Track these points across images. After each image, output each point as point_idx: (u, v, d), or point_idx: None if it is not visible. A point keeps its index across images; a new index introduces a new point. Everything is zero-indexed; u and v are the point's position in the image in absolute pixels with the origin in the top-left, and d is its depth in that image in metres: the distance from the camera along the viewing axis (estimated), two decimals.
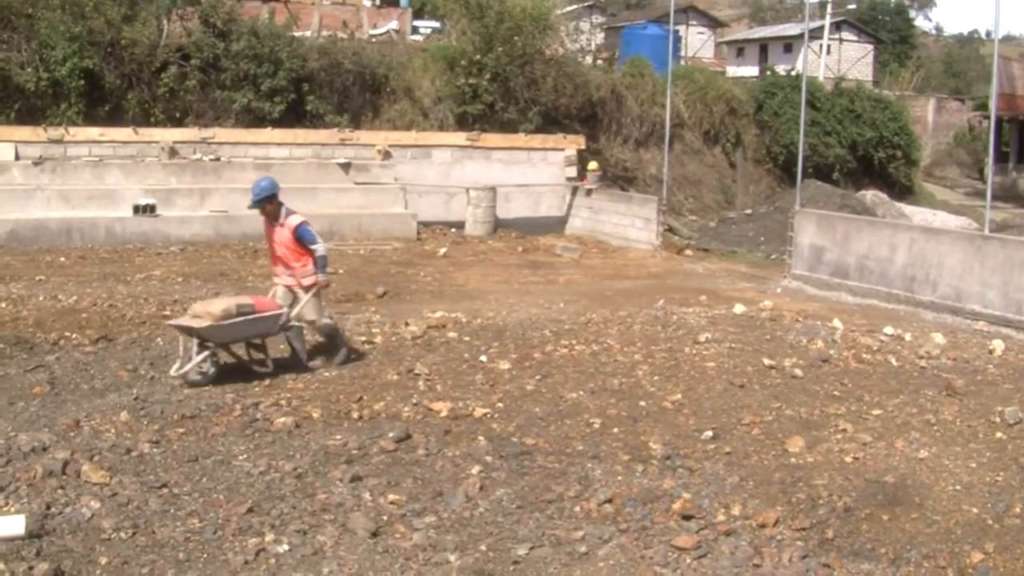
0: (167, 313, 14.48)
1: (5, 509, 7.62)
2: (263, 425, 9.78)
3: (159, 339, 13.00)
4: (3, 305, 15.04)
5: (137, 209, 22.60)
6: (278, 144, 26.60)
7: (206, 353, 11.23)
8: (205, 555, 7.04)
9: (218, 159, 25.61)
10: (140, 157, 25.16)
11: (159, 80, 26.80)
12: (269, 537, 7.32)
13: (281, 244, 12.29)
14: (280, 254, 12.38)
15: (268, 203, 12.30)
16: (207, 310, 11.47)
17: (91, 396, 10.63)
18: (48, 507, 7.67)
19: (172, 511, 7.74)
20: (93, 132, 25.32)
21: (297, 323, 12.27)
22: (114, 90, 26.46)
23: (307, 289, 12.27)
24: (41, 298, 15.56)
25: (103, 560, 6.93)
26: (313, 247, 12.25)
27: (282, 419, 9.90)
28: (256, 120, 27.33)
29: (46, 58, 25.65)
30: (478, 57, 29.62)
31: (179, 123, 26.72)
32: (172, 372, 11.25)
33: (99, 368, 11.65)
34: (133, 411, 9.98)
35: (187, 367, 11.17)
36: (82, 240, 21.74)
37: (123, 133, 25.53)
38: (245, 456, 8.91)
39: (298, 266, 12.31)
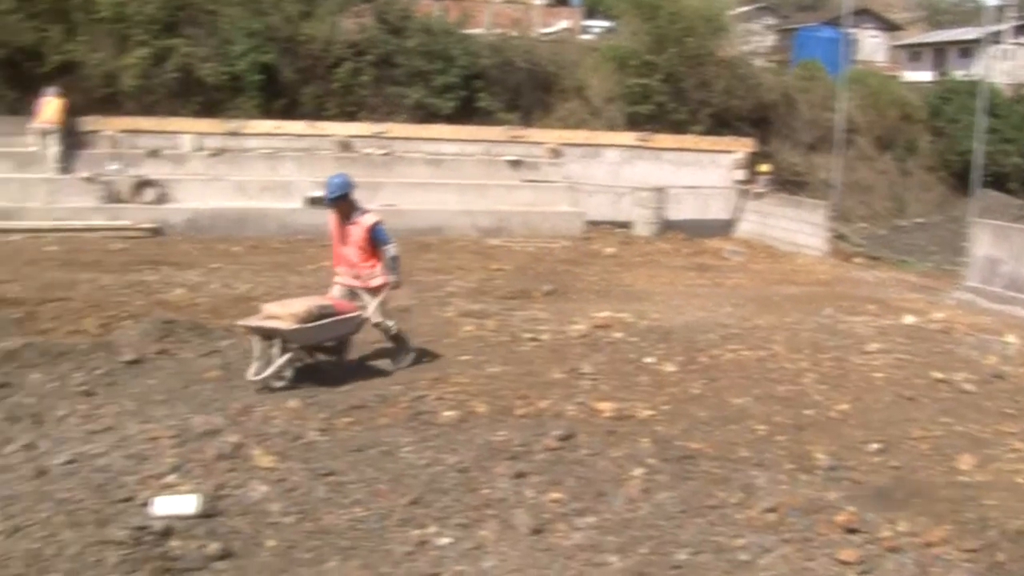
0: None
1: (179, 488, 7.83)
2: (429, 418, 9.84)
3: None
4: (180, 291, 15.51)
5: (309, 201, 23.03)
6: (449, 140, 26.88)
7: (288, 356, 10.77)
8: (369, 544, 7.12)
9: (389, 154, 25.97)
10: (313, 150, 25.67)
11: (334, 75, 27.32)
12: (432, 529, 7.37)
13: (352, 243, 11.86)
14: (348, 254, 11.95)
15: (343, 201, 11.81)
16: (288, 311, 10.95)
17: (261, 384, 10.85)
18: (219, 488, 7.86)
19: (338, 499, 7.85)
20: (269, 125, 25.96)
21: (384, 326, 11.96)
22: (290, 84, 27.06)
23: (374, 291, 11.87)
24: (216, 285, 15.99)
25: (270, 543, 7.07)
26: (386, 248, 11.80)
27: (448, 412, 9.97)
28: (428, 116, 27.66)
29: (226, 53, 26.38)
30: (650, 57, 29.48)
31: (352, 118, 27.20)
32: (249, 376, 10.74)
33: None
34: (302, 399, 10.17)
35: (268, 371, 10.66)
36: (256, 230, 22.29)
37: (298, 126, 26.11)
38: (410, 448, 8.97)
39: (366, 267, 11.92)
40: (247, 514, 7.49)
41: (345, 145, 25.93)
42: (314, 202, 23.06)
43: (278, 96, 26.93)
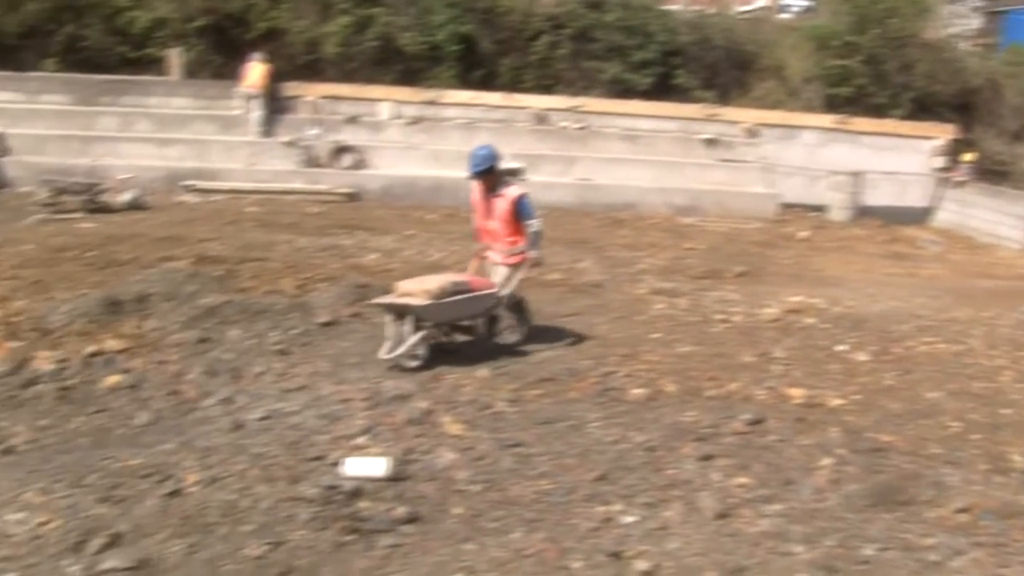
0: (528, 276, 14.73)
1: (369, 450, 7.95)
2: (617, 394, 9.76)
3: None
4: (374, 256, 15.77)
5: (504, 172, 23.08)
6: (644, 116, 26.69)
7: (421, 334, 10.47)
8: (553, 517, 7.08)
9: (585, 128, 25.92)
10: (509, 122, 25.78)
11: (532, 47, 27.36)
12: (617, 507, 7.30)
13: (497, 217, 11.49)
14: (491, 227, 11.61)
15: (488, 173, 11.46)
16: (422, 288, 10.68)
17: (452, 350, 10.97)
18: (408, 453, 7.94)
19: (524, 470, 7.84)
20: (466, 95, 26.15)
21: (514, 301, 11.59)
22: (488, 55, 27.19)
23: (513, 266, 11.48)
24: (409, 252, 16.21)
25: (456, 510, 7.10)
26: (529, 222, 11.42)
27: (637, 390, 9.88)
28: (624, 91, 27.49)
29: (426, 23, 26.64)
30: (851, 38, 28.72)
31: (549, 91, 27.21)
32: (381, 355, 10.42)
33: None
34: (492, 368, 10.22)
35: (400, 350, 10.34)
36: (450, 199, 22.43)
37: (494, 98, 26.24)
38: (598, 424, 8.92)
39: (509, 241, 11.53)
40: (434, 480, 7.54)
41: (541, 118, 25.99)
42: (509, 173, 23.19)
43: (476, 67, 27.11)
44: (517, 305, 11.74)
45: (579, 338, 11.78)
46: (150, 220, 18.84)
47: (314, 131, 24.35)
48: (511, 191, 11.44)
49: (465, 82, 26.65)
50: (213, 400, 9.12)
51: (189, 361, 10.14)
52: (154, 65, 26.32)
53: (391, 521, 6.80)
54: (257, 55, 24.86)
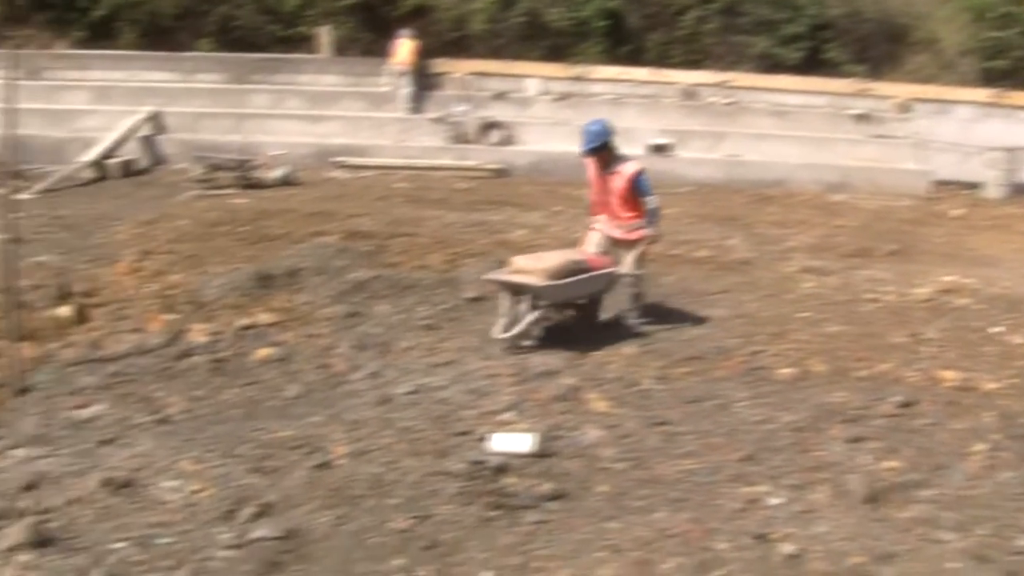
0: (676, 252, 14.68)
1: (515, 426, 7.96)
2: (765, 374, 9.60)
3: (667, 278, 13.12)
4: (522, 232, 15.80)
5: (652, 148, 22.98)
6: (793, 91, 26.22)
7: (537, 314, 10.11)
8: (699, 497, 6.99)
9: (734, 103, 25.60)
10: (657, 97, 25.59)
11: (679, 22, 27.11)
12: (763, 488, 7.17)
13: (613, 193, 11.08)
14: (607, 204, 11.22)
15: (602, 150, 11.04)
16: (540, 266, 10.27)
17: (599, 327, 10.94)
18: (554, 429, 7.93)
19: (670, 448, 7.76)
20: (613, 71, 26.03)
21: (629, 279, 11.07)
22: (635, 31, 27.04)
23: (632, 244, 11.08)
24: (557, 228, 16.17)
25: (601, 488, 7.06)
26: (647, 199, 10.99)
27: (785, 370, 9.70)
28: (772, 66, 27.06)
29: None
30: (1009, 9, 27.78)
31: (696, 66, 26.91)
32: (495, 335, 10.17)
33: (608, 300, 11.87)
34: (639, 346, 10.16)
35: (516, 329, 10.03)
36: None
37: (641, 73, 26.07)
38: (745, 403, 8.79)
39: (626, 218, 11.14)
40: (580, 457, 7.52)
41: (689, 93, 25.73)
42: (658, 149, 23.06)
43: (623, 42, 26.96)
44: (634, 283, 11.25)
45: (727, 316, 11.61)
46: (301, 196, 19.16)
47: (462, 107, 24.49)
48: (627, 167, 11.08)
49: (612, 57, 26.52)
50: (361, 374, 9.24)
51: (338, 335, 10.30)
52: (304, 43, 26.79)
53: (536, 497, 6.79)
54: (405, 32, 25.09)
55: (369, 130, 24.33)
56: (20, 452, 7.92)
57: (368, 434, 7.73)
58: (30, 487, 7.05)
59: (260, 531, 6.23)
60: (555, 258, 10.58)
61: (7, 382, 9.16)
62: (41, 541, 6.19)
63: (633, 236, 11.09)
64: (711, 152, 24.00)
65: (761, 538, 6.38)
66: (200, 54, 26.44)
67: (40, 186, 19.84)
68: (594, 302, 11.01)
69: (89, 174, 21.10)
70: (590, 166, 11.25)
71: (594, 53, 26.45)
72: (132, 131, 23.05)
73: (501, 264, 12.02)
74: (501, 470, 7.12)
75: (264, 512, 6.51)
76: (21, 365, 9.34)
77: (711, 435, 8.04)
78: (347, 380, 9.16)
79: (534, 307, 10.10)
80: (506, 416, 8.18)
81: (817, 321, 11.71)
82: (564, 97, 25.43)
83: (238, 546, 6.12)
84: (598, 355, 9.82)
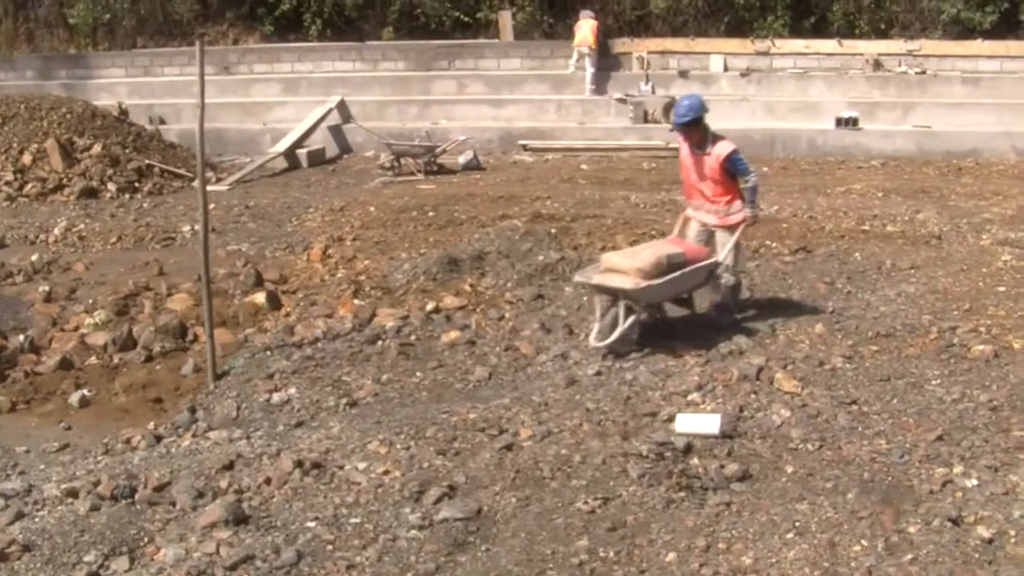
0: (866, 228, 14.34)
1: (702, 407, 7.89)
2: (959, 351, 9.23)
3: (857, 254, 12.77)
4: None
5: (839, 122, 22.48)
6: (987, 57, 25.24)
7: (634, 318, 9.31)
8: (890, 478, 6.81)
9: (923, 72, 24.85)
10: (844, 69, 25.01)
11: None
12: (957, 469, 6.92)
13: (708, 175, 10.23)
14: (701, 186, 10.35)
15: (695, 126, 10.17)
16: (635, 266, 9.35)
17: (787, 306, 10.73)
18: (741, 410, 7.83)
19: (860, 429, 7.57)
20: (798, 44, 25.53)
21: (727, 274, 10.20)
22: (819, 1, 26.42)
23: (731, 228, 10.20)
24: None
25: (788, 468, 6.95)
26: (746, 177, 10.18)
27: (980, 347, 9.32)
28: (964, 32, 26.10)
29: None
30: None
31: (884, 35, 26.17)
32: (592, 343, 9.43)
33: (797, 278, 11.70)
34: (828, 324, 9.93)
35: (614, 337, 9.24)
36: (784, 151, 22.04)
37: (827, 45, 25.49)
38: (938, 381, 8.51)
39: (722, 201, 10.26)
40: (767, 438, 7.41)
41: (876, 64, 25.05)
42: (845, 123, 22.53)
43: (807, 14, 26.41)
44: (732, 273, 10.42)
45: (919, 292, 11.27)
46: (486, 180, 19.34)
47: (645, 87, 24.35)
48: (720, 147, 10.17)
49: (796, 31, 26.00)
50: (547, 356, 9.29)
51: (524, 318, 10.37)
52: (486, 28, 26.97)
53: (722, 479, 6.73)
54: (586, 13, 25.04)
55: (552, 113, 24.41)
56: (218, 434, 8.21)
57: (554, 416, 7.76)
58: (227, 467, 7.29)
59: (446, 512, 6.32)
60: (650, 255, 9.62)
61: (205, 367, 9.50)
62: (238, 519, 6.41)
63: (731, 221, 10.28)
64: (900, 124, 23.28)
65: (955, 522, 6.16)
66: (384, 43, 26.92)
67: (233, 177, 20.48)
68: (691, 295, 10.35)
69: (280, 164, 21.65)
70: (683, 145, 10.47)
71: (777, 27, 25.97)
72: (320, 121, 23.56)
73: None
74: (687, 451, 7.07)
75: (450, 493, 6.60)
76: (218, 351, 9.66)
77: (903, 415, 7.82)
78: (533, 362, 9.24)
79: (631, 310, 9.37)
80: (693, 397, 8.11)
81: (1015, 296, 11.23)
82: (748, 73, 25.05)
83: (425, 526, 6.22)
84: (787, 334, 9.65)
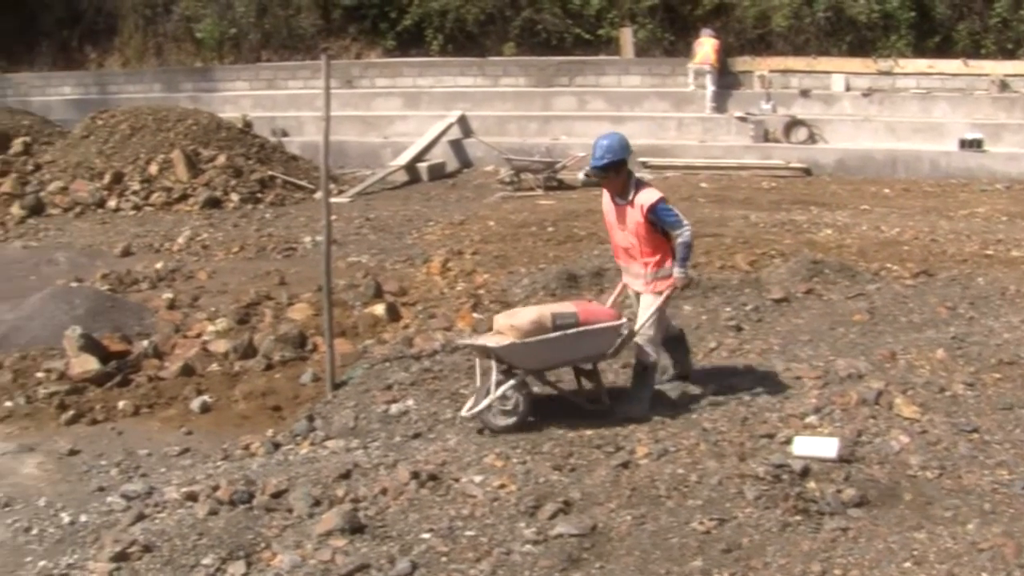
0: (989, 252, 14.05)
1: (819, 430, 7.81)
2: None
3: (980, 279, 12.48)
4: (828, 231, 15.46)
5: (963, 143, 22.08)
6: None
7: (510, 383, 8.20)
8: (1012, 510, 6.65)
9: None
10: (968, 90, 24.52)
11: (991, 10, 25.78)
12: None
13: (630, 230, 8.69)
14: (625, 244, 8.81)
15: (613, 170, 8.62)
16: (511, 323, 8.35)
17: (908, 329, 10.54)
18: (859, 434, 7.72)
19: (981, 458, 7.40)
20: (921, 64, 25.06)
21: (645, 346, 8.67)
22: (943, 21, 25.91)
23: (658, 293, 8.61)
24: (864, 227, 15.77)
25: (907, 496, 6.84)
26: (678, 231, 8.55)
27: None
28: None
29: None
30: None
31: (1011, 55, 25.58)
32: (463, 412, 8.51)
33: (918, 302, 11.49)
34: (949, 349, 9.72)
35: (482, 404, 8.22)
36: (906, 172, 21.73)
37: (952, 65, 24.97)
38: None
39: (651, 263, 8.65)
40: (885, 464, 7.29)
41: (1002, 84, 24.52)
42: (969, 144, 22.09)
43: (931, 34, 25.91)
44: (675, 342, 9.25)
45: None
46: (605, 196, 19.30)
47: (766, 106, 24.18)
48: (644, 195, 8.59)
49: (919, 50, 25.51)
50: (666, 375, 9.24)
51: None
52: (607, 45, 26.98)
53: (839, 504, 6.66)
54: (707, 31, 24.94)
55: (672, 130, 24.34)
56: (335, 443, 8.35)
57: (671, 434, 7.76)
58: (344, 476, 7.41)
59: (561, 528, 6.35)
60: (531, 312, 8.63)
61: (324, 376, 9.64)
62: (354, 528, 6.52)
63: (659, 288, 8.65)
64: None
65: None
66: (505, 58, 27.04)
67: (355, 189, 20.77)
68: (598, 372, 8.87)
69: (401, 177, 21.90)
70: (604, 194, 8.97)
71: (900, 46, 25.53)
72: (441, 135, 23.77)
73: (810, 264, 11.86)
74: (804, 474, 7.00)
75: (566, 509, 6.64)
76: (337, 361, 9.81)
77: None
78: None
79: (506, 374, 8.33)
80: (810, 420, 8.03)
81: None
82: (870, 93, 24.70)
83: (539, 541, 6.26)
84: (907, 359, 9.48)
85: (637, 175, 8.85)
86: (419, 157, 22.81)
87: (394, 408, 8.83)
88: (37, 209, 19.47)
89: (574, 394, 8.79)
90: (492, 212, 17.57)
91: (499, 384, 8.23)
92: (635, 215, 8.55)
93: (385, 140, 24.75)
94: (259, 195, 19.80)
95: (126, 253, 15.90)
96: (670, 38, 26.71)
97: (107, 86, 29.68)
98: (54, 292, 12.50)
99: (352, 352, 10.55)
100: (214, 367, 10.38)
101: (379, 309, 11.67)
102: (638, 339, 8.63)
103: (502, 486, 6.97)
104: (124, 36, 31.60)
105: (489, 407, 8.21)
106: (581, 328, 8.33)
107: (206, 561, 6.37)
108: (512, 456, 7.43)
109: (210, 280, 13.79)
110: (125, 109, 22.54)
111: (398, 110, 26.24)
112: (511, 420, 8.22)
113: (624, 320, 8.63)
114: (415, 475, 7.18)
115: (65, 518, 7.42)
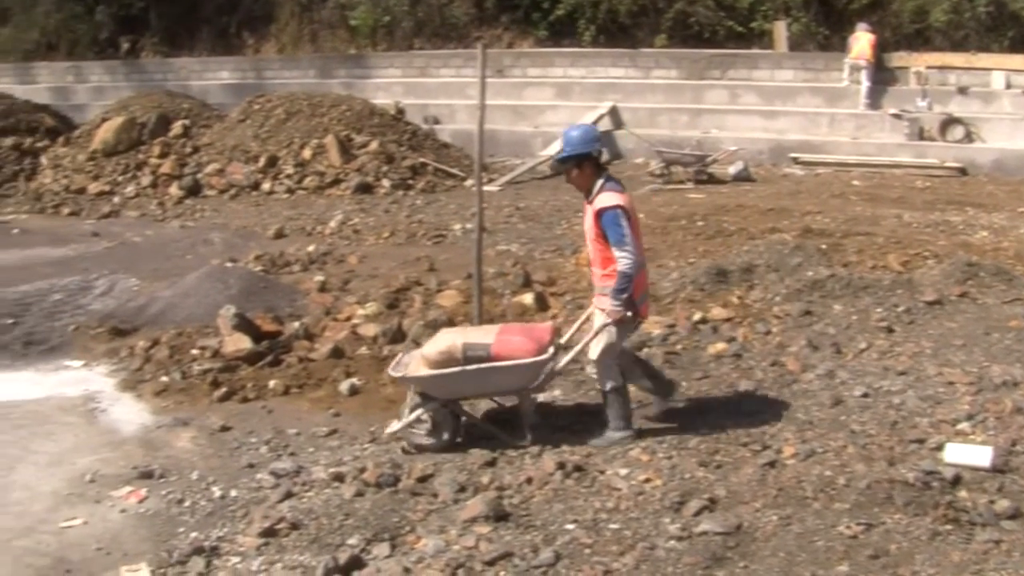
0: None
1: (972, 438, 7.63)
2: None
3: None
4: (984, 234, 15.07)
5: None
6: None
7: (420, 411, 8.10)
8: None
9: None
10: None
11: None
12: None
13: (587, 235, 8.06)
14: (591, 252, 8.09)
15: (573, 164, 7.90)
16: (423, 351, 8.24)
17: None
18: (1013, 444, 7.49)
19: None
20: None
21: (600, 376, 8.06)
22: None
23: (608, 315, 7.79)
24: (1022, 230, 15.34)
25: None
26: (618, 253, 7.61)
27: None
28: None
29: None
30: None
31: None
32: (387, 430, 8.47)
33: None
34: None
35: (396, 426, 8.26)
36: None
37: None
38: None
39: (603, 273, 7.91)
40: None
41: None
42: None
43: None
44: (636, 367, 8.45)
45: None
46: (756, 192, 19.15)
47: (922, 103, 23.63)
48: (601, 198, 7.78)
49: None
50: (814, 374, 9.13)
51: (792, 333, 10.22)
52: (759, 38, 26.68)
53: (992, 515, 6.47)
54: (863, 25, 24.46)
55: (825, 126, 23.96)
56: (481, 431, 8.41)
57: (818, 435, 7.66)
58: (489, 464, 7.49)
59: (706, 525, 6.32)
60: (443, 341, 8.27)
61: None
62: (498, 515, 6.58)
63: (604, 304, 7.88)
64: None
65: None
66: (656, 50, 26.92)
67: (504, 178, 20.91)
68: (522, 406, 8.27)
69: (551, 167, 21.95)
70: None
71: None
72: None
73: (965, 266, 11.58)
74: (955, 483, 6.84)
75: (711, 506, 6.61)
76: None
77: None
78: (799, 379, 9.09)
79: (421, 396, 8.18)
80: (962, 427, 7.84)
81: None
82: None
83: (684, 538, 6.24)
84: None
85: (608, 175, 8.05)
86: None
87: (540, 397, 8.87)
88: (194, 190, 20.09)
89: (491, 424, 8.40)
90: (641, 204, 17.38)
91: (414, 408, 8.16)
92: (589, 218, 7.87)
93: (535, 130, 24.85)
94: (410, 182, 20.07)
95: (279, 235, 16.26)
96: (824, 32, 26.30)
97: (263, 72, 30.35)
98: (210, 271, 12.84)
99: None
100: (363, 350, 10.53)
101: (527, 298, 11.73)
102: (588, 367, 8.33)
103: (647, 480, 6.97)
104: (280, 23, 32.27)
105: (412, 426, 8.16)
106: (491, 365, 7.95)
107: (351, 541, 6.49)
108: (658, 451, 7.42)
109: (360, 264, 14.02)
110: (281, 94, 23.09)
111: (549, 100, 26.32)
112: (433, 441, 8.13)
113: (545, 355, 7.99)
114: (561, 465, 7.22)
115: (216, 492, 7.63)
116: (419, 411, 8.13)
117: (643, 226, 15.04)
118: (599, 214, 7.65)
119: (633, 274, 7.61)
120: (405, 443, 8.24)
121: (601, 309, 7.84)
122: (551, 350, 8.09)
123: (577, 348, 8.20)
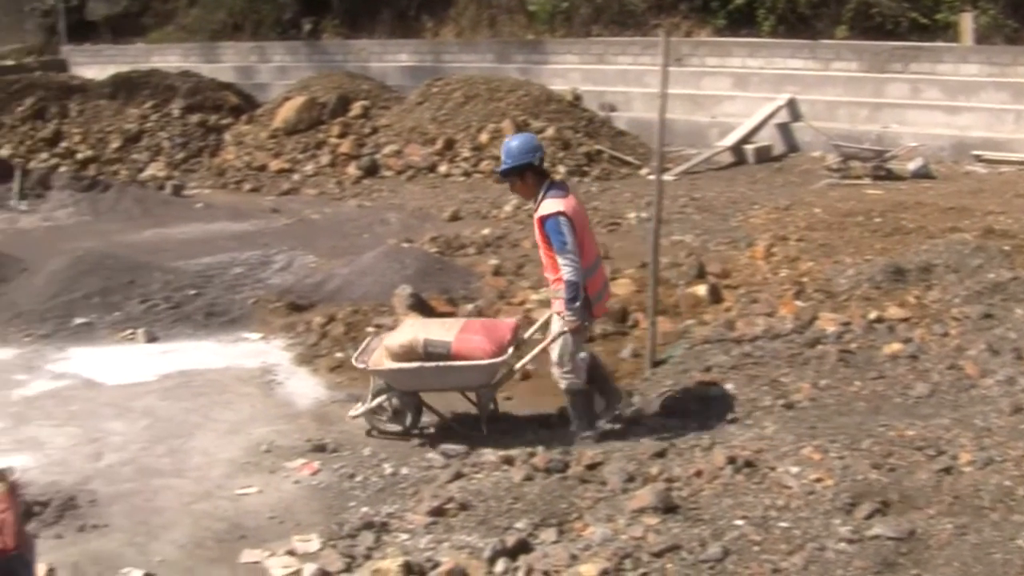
0: None
1: None
2: None
3: None
4: None
5: None
6: None
7: (382, 398, 8.55)
8: None
9: None
10: None
11: None
12: None
13: (537, 241, 8.31)
14: (542, 259, 8.35)
15: (516, 176, 8.18)
16: (386, 343, 8.51)
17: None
18: None
19: None
20: None
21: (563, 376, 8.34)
22: None
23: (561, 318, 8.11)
24: None
25: None
26: (560, 259, 7.88)
27: None
28: None
29: None
30: None
31: None
32: (350, 413, 8.86)
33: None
34: None
35: (360, 410, 8.69)
36: None
37: None
38: None
39: (554, 278, 8.13)
40: None
41: None
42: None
43: None
44: (576, 390, 8.40)
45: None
46: (936, 189, 18.67)
47: None
48: (543, 206, 8.04)
49: None
50: (993, 379, 8.87)
51: (970, 336, 9.94)
52: (944, 31, 26.00)
53: None
54: None
55: (1011, 123, 23.17)
56: (652, 421, 8.44)
57: (997, 443, 7.44)
58: (659, 455, 7.51)
59: (878, 529, 6.22)
60: (406, 334, 8.52)
61: (643, 353, 9.75)
62: (667, 507, 6.60)
63: (556, 308, 8.24)
64: None
65: None
66: (837, 42, 26.41)
67: (680, 168, 20.82)
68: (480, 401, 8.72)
69: (726, 158, 21.79)
70: None
71: None
72: (769, 118, 23.48)
73: None
74: None
75: (883, 510, 6.49)
76: (658, 339, 9.90)
77: None
78: (978, 384, 8.83)
79: (379, 387, 8.60)
80: None
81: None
82: None
83: (855, 540, 6.15)
84: None
85: (552, 181, 8.28)
86: (746, 139, 22.60)
87: (712, 390, 8.85)
88: (372, 170, 20.50)
89: (453, 416, 8.83)
90: (818, 199, 17.25)
91: (377, 394, 8.59)
92: (536, 226, 8.13)
93: (712, 120, 24.63)
94: (585, 168, 20.13)
95: (454, 218, 16.49)
96: (1013, 25, 25.50)
97: (441, 55, 30.64)
98: (387, 251, 13.12)
99: (672, 331, 10.62)
100: (536, 336, 10.62)
101: (701, 290, 11.70)
102: (551, 369, 8.40)
103: (819, 480, 6.89)
104: (459, 7, 32.56)
105: (375, 412, 8.65)
106: (450, 364, 8.31)
107: (519, 525, 6.59)
108: (830, 450, 7.32)
109: (534, 249, 14.04)
110: (459, 78, 23.34)
111: (726, 90, 26.03)
112: (397, 427, 8.66)
113: (503, 357, 8.35)
114: (731, 460, 7.19)
115: (387, 469, 7.84)
116: (380, 399, 8.60)
117: (819, 221, 14.98)
118: (542, 221, 7.94)
119: (578, 280, 7.89)
120: (368, 426, 8.69)
121: (558, 313, 8.12)
122: (510, 350, 8.45)
123: (535, 352, 8.58)
